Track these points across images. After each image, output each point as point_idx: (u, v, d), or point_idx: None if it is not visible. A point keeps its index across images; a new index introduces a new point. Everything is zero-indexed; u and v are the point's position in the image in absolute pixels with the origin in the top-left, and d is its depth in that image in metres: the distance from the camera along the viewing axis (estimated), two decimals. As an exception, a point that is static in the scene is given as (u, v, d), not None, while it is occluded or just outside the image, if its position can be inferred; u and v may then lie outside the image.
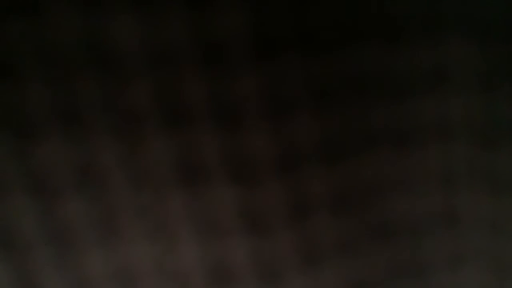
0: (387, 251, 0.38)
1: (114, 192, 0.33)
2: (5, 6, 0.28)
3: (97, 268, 0.35)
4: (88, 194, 0.33)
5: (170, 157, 0.32)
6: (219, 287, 0.36)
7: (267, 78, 0.31)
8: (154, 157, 0.32)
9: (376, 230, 0.37)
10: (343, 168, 0.35)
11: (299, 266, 0.36)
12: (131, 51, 0.30)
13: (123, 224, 0.34)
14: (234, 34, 0.30)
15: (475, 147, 0.35)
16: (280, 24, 0.31)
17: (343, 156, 0.34)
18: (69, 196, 0.33)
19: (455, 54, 0.33)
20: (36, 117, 0.31)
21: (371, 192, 0.36)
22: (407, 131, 0.35)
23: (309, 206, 0.35)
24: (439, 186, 0.37)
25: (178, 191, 0.33)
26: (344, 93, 0.33)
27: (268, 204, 0.34)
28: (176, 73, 0.31)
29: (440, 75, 0.34)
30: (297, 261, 0.36)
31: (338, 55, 0.32)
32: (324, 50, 0.32)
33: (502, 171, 0.36)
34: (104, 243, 0.34)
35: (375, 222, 0.37)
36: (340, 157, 0.34)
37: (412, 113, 0.34)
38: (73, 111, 0.31)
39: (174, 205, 0.34)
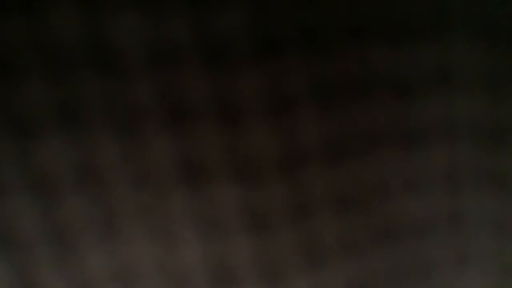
0: (391, 252, 0.38)
1: (115, 191, 0.33)
2: (6, 5, 0.28)
3: (97, 267, 0.34)
4: (89, 193, 0.33)
5: (172, 156, 0.32)
6: (221, 287, 0.36)
7: (269, 77, 0.31)
8: (156, 156, 0.32)
9: (379, 231, 0.37)
10: (346, 168, 0.35)
11: (302, 267, 0.36)
12: (133, 50, 0.30)
13: (124, 223, 0.34)
14: (237, 32, 0.30)
15: (480, 148, 0.35)
16: (283, 23, 0.30)
17: (346, 156, 0.34)
18: (70, 195, 0.33)
19: (460, 54, 0.33)
20: (37, 116, 0.31)
21: (374, 193, 0.36)
22: (411, 131, 0.35)
23: (312, 206, 0.35)
24: (444, 187, 0.37)
25: (179, 191, 0.33)
26: (347, 92, 0.33)
27: (270, 204, 0.34)
28: (178, 72, 0.31)
29: (445, 75, 0.34)
30: (299, 262, 0.36)
31: (341, 54, 0.32)
32: (327, 49, 0.31)
33: (507, 172, 0.36)
34: (104, 242, 0.34)
35: (378, 222, 0.37)
36: (343, 157, 0.34)
37: (416, 114, 0.34)
38: (74, 110, 0.31)
39: (176, 204, 0.34)
